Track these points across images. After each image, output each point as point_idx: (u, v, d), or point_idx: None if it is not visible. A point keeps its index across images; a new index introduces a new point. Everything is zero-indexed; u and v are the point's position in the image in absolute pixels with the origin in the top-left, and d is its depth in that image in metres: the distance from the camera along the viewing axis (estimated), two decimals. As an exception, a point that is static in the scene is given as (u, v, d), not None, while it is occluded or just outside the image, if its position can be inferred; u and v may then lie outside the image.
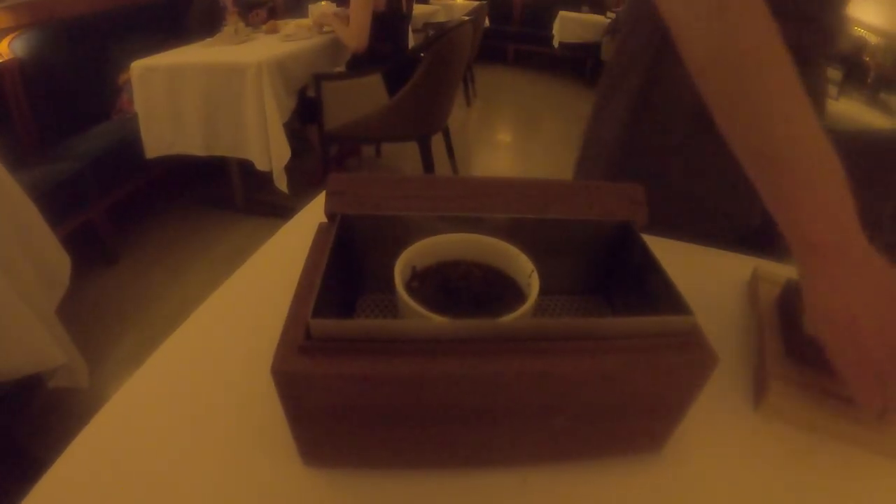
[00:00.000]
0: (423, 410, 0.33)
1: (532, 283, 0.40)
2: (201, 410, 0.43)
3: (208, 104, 2.22)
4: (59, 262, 1.46)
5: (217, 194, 2.68)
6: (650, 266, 0.43)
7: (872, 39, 3.37)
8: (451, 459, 0.39)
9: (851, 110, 2.70)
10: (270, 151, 2.22)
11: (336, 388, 0.32)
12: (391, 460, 0.38)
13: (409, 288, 0.41)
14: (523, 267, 0.42)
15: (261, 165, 2.26)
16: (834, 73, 2.77)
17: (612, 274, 0.51)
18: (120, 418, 0.42)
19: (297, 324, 0.33)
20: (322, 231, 0.44)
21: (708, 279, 0.64)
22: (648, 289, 0.43)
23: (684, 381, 0.37)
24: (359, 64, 2.54)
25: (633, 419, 0.38)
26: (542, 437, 0.37)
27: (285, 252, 0.62)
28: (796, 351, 0.50)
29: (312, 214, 0.69)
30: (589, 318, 0.48)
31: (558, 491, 0.39)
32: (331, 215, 0.44)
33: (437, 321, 0.35)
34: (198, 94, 2.21)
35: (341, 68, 2.74)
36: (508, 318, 0.36)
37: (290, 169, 2.31)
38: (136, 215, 2.51)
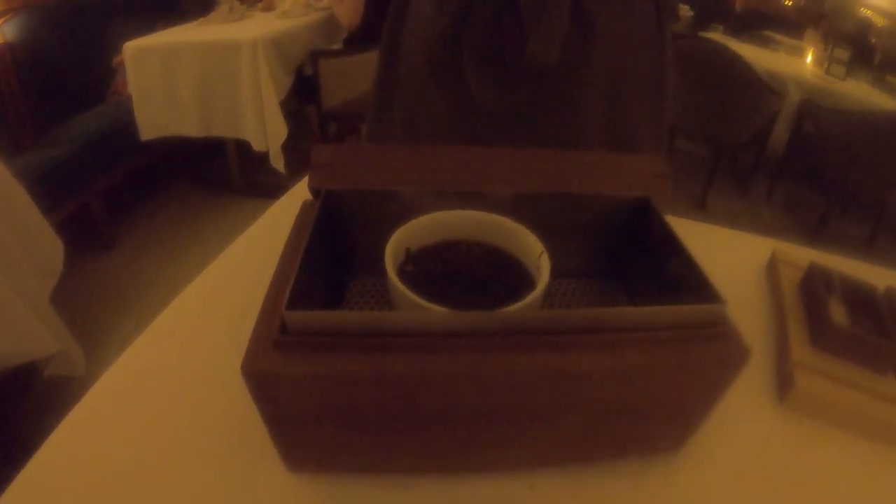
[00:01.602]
0: (417, 414, 0.29)
1: (542, 265, 0.36)
2: (179, 408, 0.39)
3: (203, 84, 2.17)
4: (53, 248, 1.44)
5: (214, 176, 2.62)
6: (672, 247, 0.38)
7: (879, 21, 3.33)
8: (450, 464, 0.35)
9: (859, 91, 2.66)
10: (267, 131, 2.18)
11: (316, 390, 0.28)
12: (384, 465, 0.34)
13: (403, 273, 0.37)
14: (532, 247, 0.38)
15: (257, 145, 2.22)
16: (842, 53, 2.74)
17: (628, 256, 0.46)
18: (100, 411, 0.39)
19: (271, 316, 0.29)
20: (305, 209, 0.39)
21: (721, 261, 0.60)
22: (670, 273, 0.39)
23: (713, 377, 0.33)
24: (355, 40, 2.47)
25: (653, 419, 0.34)
26: (550, 441, 0.33)
27: (273, 233, 0.57)
28: (823, 339, 0.46)
29: (304, 193, 0.65)
30: (608, 307, 0.44)
31: (567, 497, 0.35)
32: (315, 191, 0.39)
33: (434, 312, 0.30)
34: (193, 73, 2.15)
35: (339, 45, 2.68)
36: (516, 308, 0.31)
37: (288, 150, 2.26)
38: (133, 199, 2.46)
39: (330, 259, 0.40)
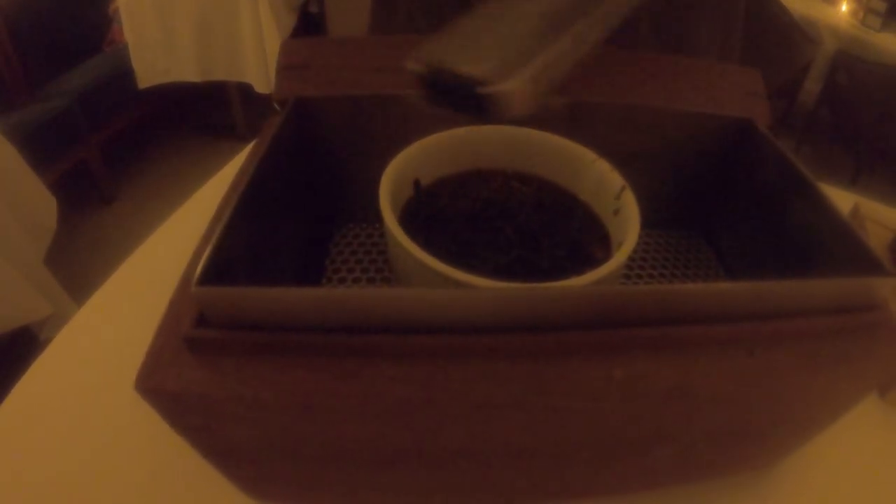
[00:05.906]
0: (428, 450, 0.17)
1: (624, 209, 0.23)
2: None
3: (201, 25, 2.09)
4: (45, 206, 1.42)
5: (217, 122, 2.51)
6: (794, 188, 0.26)
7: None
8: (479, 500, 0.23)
9: (894, 44, 2.52)
10: (269, 72, 2.06)
11: (260, 419, 0.16)
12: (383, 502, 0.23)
13: (409, 216, 0.24)
14: (604, 182, 0.25)
15: (260, 88, 2.12)
16: (878, 4, 2.60)
17: (718, 198, 0.34)
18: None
19: (185, 298, 0.17)
20: (268, 129, 0.27)
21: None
22: (786, 224, 0.27)
23: (862, 381, 0.22)
24: (365, -26, 2.31)
25: (764, 439, 0.23)
26: (624, 472, 0.22)
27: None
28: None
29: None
30: (730, 283, 0.32)
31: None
32: (282, 101, 0.27)
33: (458, 285, 0.18)
34: (190, 14, 2.07)
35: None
36: (589, 280, 0.19)
37: (294, 93, 2.14)
38: (133, 150, 2.38)
39: (306, 198, 0.28)
